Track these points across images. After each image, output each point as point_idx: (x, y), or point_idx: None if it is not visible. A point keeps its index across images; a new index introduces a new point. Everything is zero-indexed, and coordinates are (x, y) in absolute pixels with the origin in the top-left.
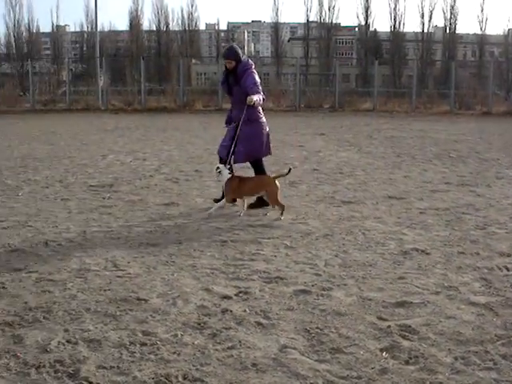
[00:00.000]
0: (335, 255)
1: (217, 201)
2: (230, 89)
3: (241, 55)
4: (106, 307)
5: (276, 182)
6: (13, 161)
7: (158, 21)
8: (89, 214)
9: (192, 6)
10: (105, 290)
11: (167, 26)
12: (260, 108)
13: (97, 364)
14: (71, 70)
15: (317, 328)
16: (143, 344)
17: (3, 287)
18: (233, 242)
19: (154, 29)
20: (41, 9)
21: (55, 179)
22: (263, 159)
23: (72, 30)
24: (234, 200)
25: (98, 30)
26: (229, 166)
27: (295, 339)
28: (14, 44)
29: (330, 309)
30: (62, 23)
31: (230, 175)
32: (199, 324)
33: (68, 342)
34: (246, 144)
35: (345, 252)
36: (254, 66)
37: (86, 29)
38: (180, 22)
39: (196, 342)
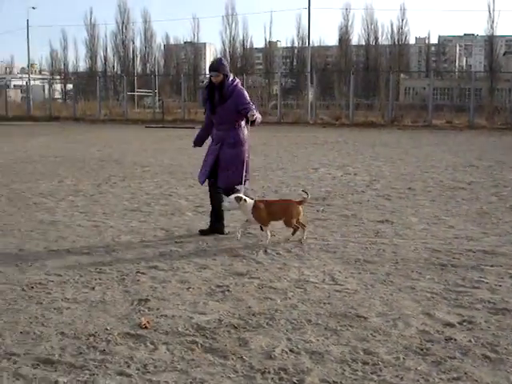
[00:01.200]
0: None
1: (203, 232)
2: (213, 107)
3: (229, 69)
4: (327, 321)
5: (300, 207)
6: None
7: (368, 35)
8: None
9: (402, 20)
10: (324, 303)
11: (376, 41)
12: (245, 131)
13: (320, 377)
14: (281, 84)
15: None
16: (365, 363)
17: (228, 290)
18: (453, 267)
19: (363, 43)
20: (255, 25)
21: (271, 189)
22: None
23: (283, 45)
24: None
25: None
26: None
27: None
28: (229, 59)
29: None
30: (274, 39)
31: (253, 202)
32: (422, 350)
33: (291, 351)
34: (227, 169)
35: None
36: (240, 84)
37: (296, 44)
38: (389, 36)
39: (419, 368)
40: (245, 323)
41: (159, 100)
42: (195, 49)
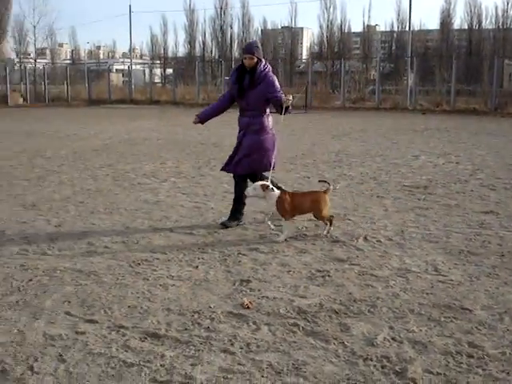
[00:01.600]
0: None
1: (224, 225)
2: (241, 91)
3: (262, 53)
4: (430, 311)
5: (327, 197)
6: (327, 155)
7: (471, 19)
8: (405, 213)
9: (507, 4)
10: (427, 294)
11: (479, 25)
12: (271, 119)
13: (423, 367)
14: (380, 68)
15: None
16: (470, 356)
17: (328, 275)
18: None
19: (466, 27)
20: (353, 9)
21: (369, 176)
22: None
23: (382, 29)
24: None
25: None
26: (270, 182)
27: None
28: (326, 43)
29: None
30: (372, 23)
31: (279, 192)
32: None
33: (393, 339)
34: (249, 155)
35: None
36: (271, 70)
37: (395, 28)
38: (493, 19)
39: None
40: (346, 309)
41: None
42: (292, 33)
